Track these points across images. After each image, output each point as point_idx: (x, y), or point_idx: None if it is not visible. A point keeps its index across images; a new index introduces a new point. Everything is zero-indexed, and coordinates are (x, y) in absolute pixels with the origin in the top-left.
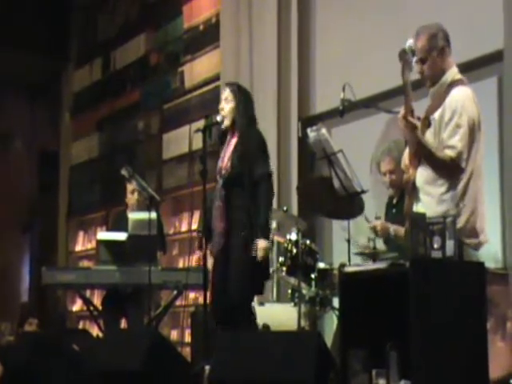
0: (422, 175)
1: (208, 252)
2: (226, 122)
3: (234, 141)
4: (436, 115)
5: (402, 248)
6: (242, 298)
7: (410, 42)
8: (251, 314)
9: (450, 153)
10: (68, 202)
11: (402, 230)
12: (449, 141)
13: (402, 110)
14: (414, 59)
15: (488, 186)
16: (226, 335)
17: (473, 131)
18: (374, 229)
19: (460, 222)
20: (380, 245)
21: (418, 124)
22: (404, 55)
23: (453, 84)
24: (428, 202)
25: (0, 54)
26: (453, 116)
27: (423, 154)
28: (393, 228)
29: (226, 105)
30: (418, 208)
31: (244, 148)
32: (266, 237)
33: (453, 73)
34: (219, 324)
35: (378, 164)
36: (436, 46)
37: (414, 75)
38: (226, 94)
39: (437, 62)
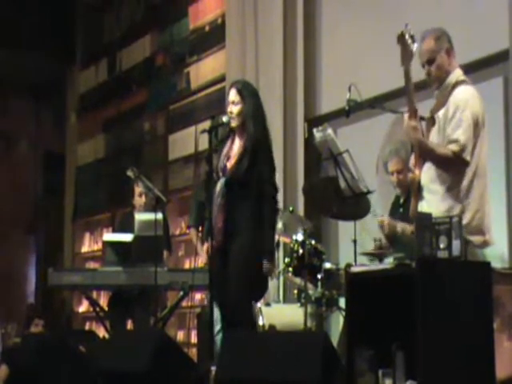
0: (427, 174)
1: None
2: (235, 123)
3: (241, 141)
4: (440, 113)
5: (408, 248)
6: (241, 300)
7: (408, 27)
8: (251, 317)
9: (453, 147)
10: (74, 203)
11: (409, 229)
12: (452, 135)
13: (406, 113)
14: (415, 46)
15: (494, 185)
16: (231, 336)
17: (476, 127)
18: (381, 223)
19: (465, 219)
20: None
21: (418, 125)
22: (402, 39)
23: (457, 84)
24: (431, 200)
25: (5, 55)
26: (456, 111)
27: (425, 154)
28: (400, 226)
29: (234, 107)
30: (421, 206)
31: (251, 151)
32: (271, 260)
33: (457, 74)
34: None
35: (386, 164)
36: (442, 47)
37: (417, 76)
38: (233, 96)
39: (444, 63)
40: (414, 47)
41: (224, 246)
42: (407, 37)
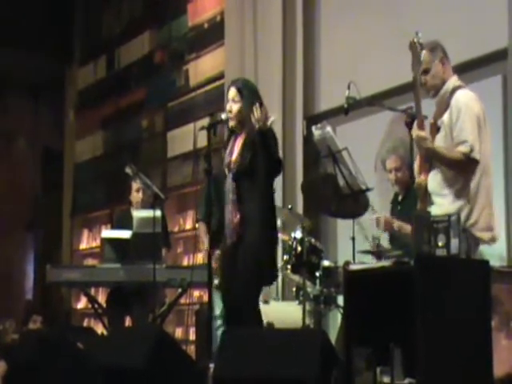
0: (435, 179)
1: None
2: (233, 122)
3: (243, 136)
4: (444, 118)
5: (407, 246)
6: (248, 297)
7: (418, 35)
8: (258, 315)
9: (462, 149)
10: (72, 200)
11: (406, 227)
12: (459, 137)
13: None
14: (423, 53)
15: (493, 183)
16: (229, 333)
17: (479, 128)
18: (378, 221)
19: (473, 218)
20: (385, 243)
21: (427, 135)
22: (413, 46)
23: (455, 89)
24: (441, 203)
25: (3, 53)
26: (459, 114)
27: (437, 160)
28: (397, 223)
29: (234, 105)
30: (431, 210)
31: (253, 141)
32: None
33: (453, 80)
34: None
35: (384, 161)
36: (436, 57)
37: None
38: (233, 94)
39: (439, 71)
40: (422, 54)
41: (238, 242)
42: (417, 44)
